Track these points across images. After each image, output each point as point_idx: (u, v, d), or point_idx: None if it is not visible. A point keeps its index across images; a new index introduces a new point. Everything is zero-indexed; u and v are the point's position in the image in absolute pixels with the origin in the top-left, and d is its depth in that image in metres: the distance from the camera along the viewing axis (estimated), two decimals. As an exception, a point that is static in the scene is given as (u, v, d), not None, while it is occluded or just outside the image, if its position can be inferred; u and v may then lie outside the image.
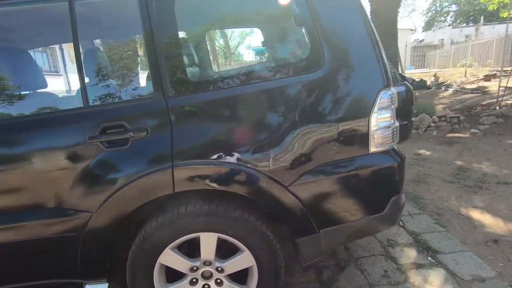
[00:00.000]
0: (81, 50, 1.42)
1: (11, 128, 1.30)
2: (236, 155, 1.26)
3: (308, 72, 1.32)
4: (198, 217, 1.29)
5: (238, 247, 1.36)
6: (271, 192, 1.30)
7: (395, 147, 1.43)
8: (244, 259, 1.38)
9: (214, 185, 1.27)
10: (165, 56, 1.28)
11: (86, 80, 1.36)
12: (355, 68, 1.34)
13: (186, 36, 2.07)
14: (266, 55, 1.72)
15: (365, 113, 1.31)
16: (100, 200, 1.26)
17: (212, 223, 1.30)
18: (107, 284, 1.41)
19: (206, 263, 1.39)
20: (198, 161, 1.27)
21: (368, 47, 1.33)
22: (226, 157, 1.27)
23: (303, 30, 1.38)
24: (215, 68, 4.97)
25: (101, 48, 1.97)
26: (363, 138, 1.32)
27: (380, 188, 1.43)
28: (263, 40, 2.12)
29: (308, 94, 1.31)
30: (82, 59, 1.36)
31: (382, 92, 1.32)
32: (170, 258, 1.36)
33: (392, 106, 1.35)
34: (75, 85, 1.39)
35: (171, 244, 1.33)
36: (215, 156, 1.27)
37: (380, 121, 1.32)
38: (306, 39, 1.35)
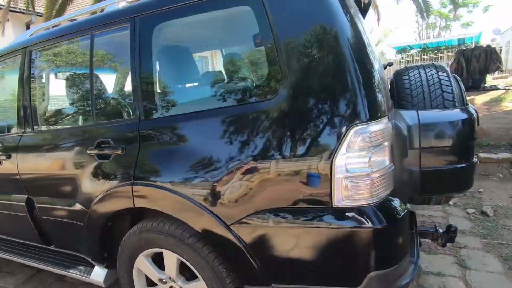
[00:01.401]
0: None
1: None
2: (182, 184, 1.24)
3: (261, 100, 1.14)
4: (159, 234, 1.35)
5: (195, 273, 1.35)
6: (212, 228, 1.21)
7: (388, 203, 1.05)
8: (200, 287, 1.35)
9: (163, 208, 1.30)
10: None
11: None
12: (320, 95, 1.06)
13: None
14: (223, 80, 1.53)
15: (327, 154, 1.02)
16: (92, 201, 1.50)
17: (170, 243, 1.34)
18: (106, 270, 1.67)
19: (171, 279, 1.44)
20: (149, 182, 1.32)
21: (343, 68, 1.03)
22: (174, 183, 1.26)
23: (263, 51, 1.19)
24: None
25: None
26: (324, 187, 1.03)
27: (350, 256, 1.09)
28: (222, 62, 1.87)
29: (259, 125, 1.13)
30: None
31: (356, 129, 1.00)
32: (143, 264, 1.49)
33: (375, 146, 1.01)
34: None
35: (143, 252, 1.45)
36: (164, 181, 1.28)
37: (351, 166, 1.00)
38: (264, 61, 1.16)
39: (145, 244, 1.42)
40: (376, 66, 1.10)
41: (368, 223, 1.02)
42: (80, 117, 1.75)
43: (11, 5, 6.68)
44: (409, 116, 1.28)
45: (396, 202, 1.10)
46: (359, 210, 1.03)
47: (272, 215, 1.11)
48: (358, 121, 1.01)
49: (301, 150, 1.06)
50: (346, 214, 1.03)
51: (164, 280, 1.47)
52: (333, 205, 1.04)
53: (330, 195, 1.03)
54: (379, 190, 1.04)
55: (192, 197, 1.21)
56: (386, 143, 1.06)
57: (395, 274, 1.09)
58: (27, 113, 1.80)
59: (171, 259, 1.39)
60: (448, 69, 1.59)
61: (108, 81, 1.99)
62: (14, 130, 1.94)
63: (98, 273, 1.66)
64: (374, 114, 1.02)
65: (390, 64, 1.61)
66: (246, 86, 1.32)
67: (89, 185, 1.51)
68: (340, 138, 1.01)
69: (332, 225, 1.05)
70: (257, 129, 1.12)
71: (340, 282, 1.11)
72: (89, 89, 1.59)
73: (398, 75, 1.58)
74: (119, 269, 1.57)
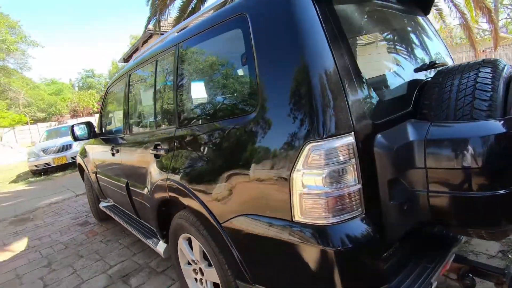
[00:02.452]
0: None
1: None
2: (189, 182, 1.49)
3: (242, 115, 1.23)
4: (186, 222, 1.66)
5: None
6: (211, 224, 1.40)
7: (352, 225, 0.98)
8: (213, 274, 1.58)
9: (184, 202, 1.57)
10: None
11: None
12: (282, 112, 1.07)
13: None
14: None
15: (287, 169, 1.04)
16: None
17: (193, 232, 1.62)
18: (165, 245, 2.12)
19: (198, 262, 1.73)
20: (175, 179, 1.62)
21: (301, 85, 1.02)
22: (186, 182, 1.53)
23: (246, 70, 1.25)
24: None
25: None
26: (285, 201, 1.05)
27: (307, 274, 1.06)
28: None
29: (238, 138, 1.24)
30: None
31: (312, 145, 0.98)
32: (182, 246, 1.84)
33: (330, 166, 0.95)
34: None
35: (181, 235, 1.80)
36: (181, 179, 1.57)
37: (307, 183, 0.99)
38: (249, 79, 1.23)
39: (181, 229, 1.76)
40: (350, 83, 1.03)
41: (319, 243, 0.98)
42: (149, 123, 2.26)
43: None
44: (414, 129, 1.10)
45: (364, 224, 1.00)
46: (314, 228, 1.01)
47: (248, 220, 1.21)
48: (313, 138, 0.99)
49: (268, 163, 1.11)
50: (303, 230, 1.03)
51: (195, 262, 1.78)
52: (293, 219, 1.05)
53: (291, 209, 1.05)
54: (338, 210, 0.98)
55: (197, 194, 1.45)
56: (349, 161, 0.98)
57: None
58: (125, 120, 2.47)
59: (196, 244, 1.68)
60: (504, 66, 1.21)
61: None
62: (120, 132, 2.67)
63: (161, 246, 2.12)
64: (332, 131, 0.98)
65: (433, 64, 1.28)
66: (236, 103, 1.41)
67: (150, 176, 1.97)
68: (297, 154, 1.01)
69: (290, 238, 1.06)
70: (239, 142, 1.24)
71: None
72: (152, 100, 2.05)
73: (435, 78, 1.31)
74: (170, 246, 1.98)
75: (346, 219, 0.99)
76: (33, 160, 8.45)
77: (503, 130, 0.99)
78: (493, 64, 1.19)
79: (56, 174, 8.49)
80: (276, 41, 1.10)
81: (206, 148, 1.46)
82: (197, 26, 1.58)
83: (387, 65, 1.47)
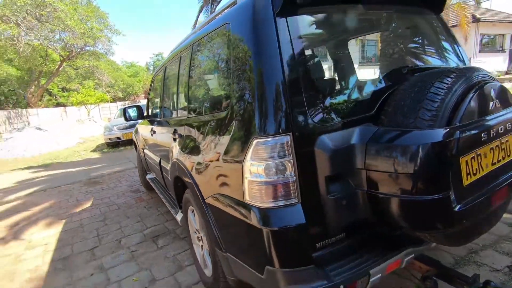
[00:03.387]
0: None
1: None
2: (186, 161, 1.80)
3: (219, 111, 1.45)
4: (189, 196, 1.98)
5: None
6: (199, 199, 1.67)
7: (283, 210, 1.16)
8: (206, 242, 1.88)
9: (183, 177, 1.89)
10: None
11: None
12: (240, 110, 1.27)
13: None
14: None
15: (241, 159, 1.24)
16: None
17: (192, 204, 1.94)
18: (182, 215, 2.50)
19: (199, 231, 2.06)
20: (180, 159, 1.93)
21: (253, 91, 1.20)
22: (185, 161, 1.83)
23: (227, 73, 1.46)
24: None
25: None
26: (240, 184, 1.26)
27: (254, 247, 1.25)
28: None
29: (215, 130, 1.51)
30: None
31: (257, 141, 1.16)
32: (189, 216, 2.18)
33: (269, 160, 1.13)
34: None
35: (189, 208, 2.14)
36: (184, 159, 1.88)
37: (253, 172, 1.18)
38: (226, 82, 1.44)
39: (188, 202, 2.10)
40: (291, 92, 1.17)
41: (260, 222, 1.18)
42: (173, 110, 2.62)
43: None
44: (361, 133, 1.18)
45: (296, 210, 1.16)
46: (256, 210, 1.20)
47: (220, 198, 1.46)
48: (258, 135, 1.17)
49: (231, 152, 1.34)
50: (250, 210, 1.23)
51: (197, 231, 2.11)
52: (244, 201, 1.27)
53: (243, 192, 1.26)
54: (275, 197, 1.16)
55: (192, 173, 1.75)
56: (285, 157, 1.14)
57: (289, 276, 1.18)
58: (160, 106, 2.90)
59: (196, 216, 2.00)
60: (472, 77, 1.17)
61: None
62: (157, 116, 3.12)
63: (179, 215, 2.51)
64: (272, 131, 1.15)
65: (412, 69, 1.27)
66: (216, 101, 1.66)
67: (171, 156, 2.35)
68: (247, 147, 1.21)
69: (242, 216, 1.28)
70: (215, 134, 1.50)
71: (254, 266, 1.31)
72: (175, 91, 2.39)
73: (403, 85, 1.33)
74: (183, 216, 2.35)
75: (281, 205, 1.17)
76: (107, 134, 9.93)
77: (436, 140, 1.04)
78: (457, 74, 1.18)
79: (125, 148, 9.85)
80: (241, 47, 1.29)
81: (198, 136, 1.74)
82: (204, 29, 1.83)
83: (350, 73, 1.52)
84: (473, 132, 1.11)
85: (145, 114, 3.77)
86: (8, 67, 16.43)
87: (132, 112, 3.75)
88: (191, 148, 1.83)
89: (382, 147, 1.14)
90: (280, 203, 1.17)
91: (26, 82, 20.54)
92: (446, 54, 1.74)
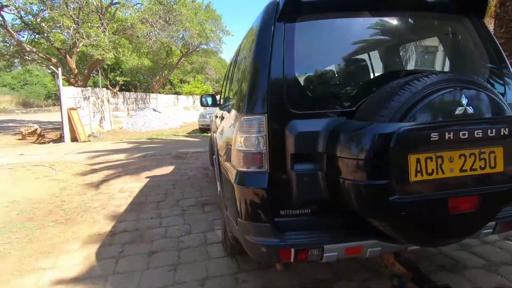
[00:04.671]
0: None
1: None
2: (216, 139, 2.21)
3: (233, 99, 1.80)
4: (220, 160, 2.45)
5: None
6: (218, 166, 2.08)
7: (253, 174, 1.45)
8: None
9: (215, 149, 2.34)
10: None
11: None
12: (236, 95, 1.58)
13: None
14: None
15: (234, 131, 1.56)
16: None
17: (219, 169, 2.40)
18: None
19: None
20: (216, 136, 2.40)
21: (246, 80, 1.50)
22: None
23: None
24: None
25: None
26: (232, 151, 1.59)
27: (234, 203, 1.55)
28: None
29: (228, 110, 1.86)
30: None
31: (242, 118, 1.48)
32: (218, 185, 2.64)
33: (248, 133, 1.43)
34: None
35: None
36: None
37: (239, 142, 1.50)
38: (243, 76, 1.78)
39: (219, 174, 2.55)
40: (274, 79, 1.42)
41: (235, 181, 1.49)
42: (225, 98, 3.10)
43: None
44: (329, 122, 1.37)
45: (263, 177, 1.42)
46: (237, 172, 1.51)
47: (226, 164, 1.82)
48: (244, 113, 1.47)
49: (232, 127, 1.69)
50: (235, 172, 1.54)
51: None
52: (233, 165, 1.60)
53: (232, 158, 1.59)
54: (249, 163, 1.44)
55: (217, 146, 2.17)
56: (260, 133, 1.40)
57: (250, 228, 1.45)
58: (226, 94, 3.47)
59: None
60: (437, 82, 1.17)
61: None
62: (221, 104, 3.68)
63: (219, 186, 3.01)
64: (252, 111, 1.44)
65: (408, 72, 1.29)
66: (238, 86, 1.96)
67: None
68: (238, 122, 1.52)
69: (230, 177, 1.61)
70: (229, 112, 1.87)
71: (234, 218, 1.63)
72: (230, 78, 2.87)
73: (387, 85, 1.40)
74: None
75: (253, 171, 1.46)
76: (201, 120, 11.49)
77: (376, 132, 1.16)
78: (427, 79, 1.23)
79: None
80: (250, 44, 1.62)
81: (224, 116, 2.16)
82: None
83: (336, 75, 1.64)
84: (422, 131, 1.16)
85: (218, 102, 4.44)
86: (145, 59, 20.64)
87: (208, 100, 4.46)
88: (218, 126, 2.27)
89: (339, 135, 1.30)
90: (253, 169, 1.47)
91: (153, 72, 25.17)
92: (462, 59, 1.67)
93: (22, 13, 11.85)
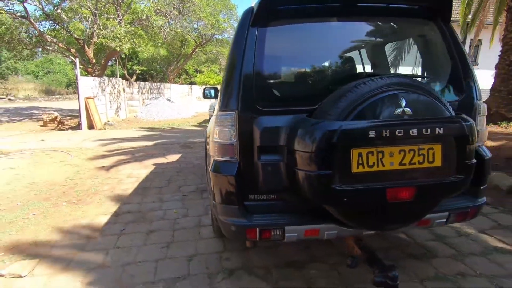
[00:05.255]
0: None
1: None
2: None
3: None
4: None
5: None
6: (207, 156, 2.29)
7: (225, 163, 1.65)
8: None
9: None
10: None
11: None
12: (220, 93, 1.75)
13: None
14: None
15: (214, 125, 1.74)
16: None
17: None
18: None
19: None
20: None
21: (224, 77, 1.67)
22: None
23: None
24: None
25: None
26: (210, 142, 1.80)
27: (211, 188, 1.77)
28: None
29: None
30: None
31: (219, 113, 1.66)
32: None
33: (221, 127, 1.63)
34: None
35: None
36: None
37: (215, 135, 1.69)
38: None
39: None
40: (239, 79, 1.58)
41: (211, 169, 1.70)
42: None
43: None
44: (290, 119, 1.54)
45: (233, 166, 1.62)
46: (213, 161, 1.72)
47: (208, 154, 2.03)
48: (220, 109, 1.66)
49: (212, 122, 1.87)
50: (213, 162, 1.76)
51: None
52: (212, 157, 1.80)
53: (212, 149, 1.80)
54: (221, 153, 1.65)
55: (207, 139, 2.38)
56: (231, 127, 1.59)
57: (222, 210, 1.66)
58: None
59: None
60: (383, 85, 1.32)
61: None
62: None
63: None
64: (225, 107, 1.62)
65: (370, 75, 1.44)
66: None
67: None
68: (215, 118, 1.71)
69: (209, 165, 1.82)
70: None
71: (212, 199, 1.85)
72: None
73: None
74: None
75: (226, 160, 1.66)
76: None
77: (323, 129, 1.33)
78: (372, 81, 1.38)
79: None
80: (230, 45, 1.80)
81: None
82: None
83: (302, 75, 1.78)
84: (361, 129, 1.32)
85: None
86: (162, 49, 21.01)
87: (212, 92, 4.67)
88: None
89: (296, 130, 1.48)
90: (225, 158, 1.67)
91: (169, 62, 25.59)
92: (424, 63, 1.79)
93: (44, 3, 12.38)
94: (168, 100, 17.10)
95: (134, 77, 24.19)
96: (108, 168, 5.02)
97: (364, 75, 1.65)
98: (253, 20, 1.65)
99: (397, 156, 1.39)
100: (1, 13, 11.28)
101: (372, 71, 2.06)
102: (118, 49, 12.06)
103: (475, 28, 9.00)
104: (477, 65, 14.26)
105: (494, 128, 5.86)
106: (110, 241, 2.62)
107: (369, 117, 1.35)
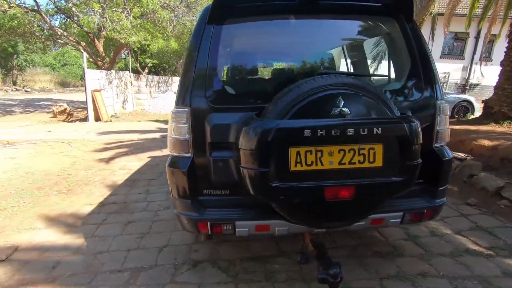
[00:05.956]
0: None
1: None
2: None
3: None
4: None
5: None
6: None
7: (179, 158, 1.70)
8: None
9: None
10: None
11: None
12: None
13: None
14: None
15: (171, 122, 1.76)
16: None
17: None
18: None
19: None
20: None
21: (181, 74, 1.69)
22: None
23: None
24: None
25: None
26: (168, 138, 1.79)
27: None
28: None
29: None
30: None
31: (174, 110, 1.70)
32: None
33: (176, 123, 1.66)
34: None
35: None
36: None
37: (171, 131, 1.71)
38: None
39: None
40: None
41: (167, 164, 1.74)
42: None
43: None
44: (239, 117, 1.56)
45: (186, 161, 1.65)
46: (170, 156, 1.76)
47: None
48: (175, 106, 1.70)
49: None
50: (170, 157, 1.80)
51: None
52: (170, 152, 1.85)
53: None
54: (177, 149, 1.68)
55: None
56: (184, 123, 1.62)
57: (177, 203, 1.71)
58: None
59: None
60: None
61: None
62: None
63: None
64: (180, 104, 1.65)
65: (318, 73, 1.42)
66: None
67: None
68: (171, 114, 1.75)
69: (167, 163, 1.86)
70: None
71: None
72: None
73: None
74: None
75: (180, 156, 1.71)
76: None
77: (265, 127, 1.35)
78: (313, 81, 1.39)
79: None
80: None
81: None
82: None
83: (254, 73, 1.78)
84: (296, 128, 1.33)
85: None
86: (173, 42, 21.14)
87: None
88: None
89: (242, 128, 1.50)
90: (180, 154, 1.72)
91: (179, 55, 25.75)
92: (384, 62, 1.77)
93: (55, -2, 12.68)
94: (176, 93, 17.24)
95: (147, 70, 24.46)
96: (104, 160, 5.17)
97: (316, 74, 1.64)
98: (209, 18, 1.67)
99: (336, 155, 1.40)
100: (13, 6, 11.59)
101: (327, 69, 2.05)
102: (123, 41, 12.21)
103: (487, 22, 8.65)
104: (491, 61, 13.76)
105: (496, 127, 5.68)
106: (89, 230, 2.73)
107: (306, 116, 1.36)
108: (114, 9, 12.46)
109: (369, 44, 1.96)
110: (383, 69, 1.90)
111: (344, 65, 2.04)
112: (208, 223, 1.68)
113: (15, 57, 31.18)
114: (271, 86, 1.78)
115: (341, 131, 1.32)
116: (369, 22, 1.88)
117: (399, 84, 1.79)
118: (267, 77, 1.85)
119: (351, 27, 1.91)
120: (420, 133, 1.43)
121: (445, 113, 1.81)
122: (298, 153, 1.38)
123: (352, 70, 2.30)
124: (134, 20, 12.71)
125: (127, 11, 12.68)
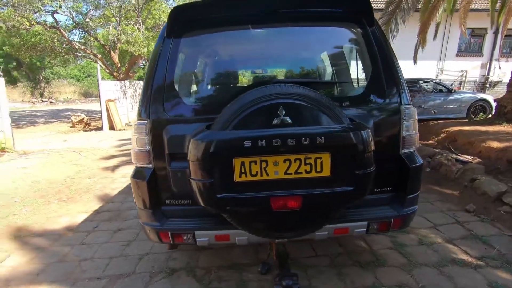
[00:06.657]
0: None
1: None
2: None
3: None
4: None
5: None
6: None
7: (142, 170, 1.72)
8: None
9: None
10: None
11: None
12: None
13: None
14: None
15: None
16: None
17: None
18: None
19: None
20: None
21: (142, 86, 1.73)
22: None
23: None
24: None
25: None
26: (132, 149, 1.81)
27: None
28: None
29: None
30: None
31: (136, 122, 1.72)
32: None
33: (138, 135, 1.69)
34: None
35: None
36: None
37: (134, 143, 1.74)
38: None
39: None
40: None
41: (131, 175, 1.78)
42: None
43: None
44: (192, 129, 1.56)
45: (147, 172, 1.68)
46: (135, 167, 1.79)
47: None
48: (137, 119, 1.72)
49: None
50: (134, 168, 1.83)
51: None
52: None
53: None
54: (139, 160, 1.71)
55: None
56: (144, 135, 1.64)
57: (140, 213, 1.74)
58: None
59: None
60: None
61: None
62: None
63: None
64: (140, 116, 1.67)
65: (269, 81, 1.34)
66: None
67: None
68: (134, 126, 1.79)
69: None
70: None
71: None
72: None
73: None
74: None
75: (143, 166, 1.74)
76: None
77: (207, 139, 1.35)
78: (252, 92, 1.38)
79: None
80: None
81: None
82: None
83: (209, 85, 1.78)
84: (236, 139, 1.32)
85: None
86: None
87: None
88: None
89: (190, 139, 1.49)
90: (142, 165, 1.75)
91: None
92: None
93: (74, 13, 13.37)
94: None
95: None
96: (109, 168, 5.35)
97: (269, 83, 1.63)
98: (167, 32, 1.72)
99: (282, 165, 1.38)
100: (33, 24, 12.34)
101: (287, 79, 2.02)
102: (137, 53, 12.64)
103: (504, 16, 8.24)
104: (512, 57, 13.07)
105: (508, 128, 5.36)
106: (79, 238, 2.83)
107: (248, 127, 1.36)
108: (126, 22, 12.97)
109: (333, 51, 1.93)
110: (347, 76, 1.86)
111: (308, 74, 2.00)
112: (169, 233, 1.70)
113: (42, 70, 32.94)
114: (225, 97, 1.78)
115: (282, 141, 1.31)
116: (332, 29, 1.85)
117: (361, 89, 1.75)
118: (222, 89, 1.86)
119: (315, 34, 1.89)
120: (370, 141, 1.38)
121: (412, 118, 1.74)
122: (242, 163, 1.38)
123: (318, 79, 2.26)
124: (146, 32, 13.15)
125: (139, 23, 13.14)
